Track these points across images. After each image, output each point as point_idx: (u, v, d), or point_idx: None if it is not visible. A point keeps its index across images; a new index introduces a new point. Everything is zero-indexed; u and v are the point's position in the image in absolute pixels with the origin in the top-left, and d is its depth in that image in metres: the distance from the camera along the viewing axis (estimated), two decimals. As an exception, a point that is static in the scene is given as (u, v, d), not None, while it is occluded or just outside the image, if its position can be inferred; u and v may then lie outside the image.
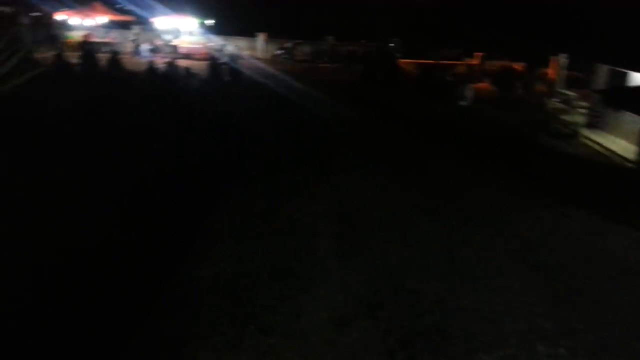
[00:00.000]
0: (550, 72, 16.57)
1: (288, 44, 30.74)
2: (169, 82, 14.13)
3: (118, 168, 7.16)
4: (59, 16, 29.96)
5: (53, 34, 30.91)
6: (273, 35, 31.89)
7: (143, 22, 31.42)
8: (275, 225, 6.06)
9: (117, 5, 37.11)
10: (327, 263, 5.17)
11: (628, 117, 11.69)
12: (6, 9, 36.73)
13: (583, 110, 13.28)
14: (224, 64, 16.55)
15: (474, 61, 22.10)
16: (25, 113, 9.05)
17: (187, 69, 14.82)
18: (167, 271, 4.70)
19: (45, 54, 20.37)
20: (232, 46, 29.75)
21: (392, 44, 30.28)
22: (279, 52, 30.68)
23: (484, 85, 17.99)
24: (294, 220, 6.24)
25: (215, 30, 30.73)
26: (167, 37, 28.95)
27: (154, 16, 29.92)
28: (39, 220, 5.27)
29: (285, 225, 6.08)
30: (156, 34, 29.72)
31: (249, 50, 30.97)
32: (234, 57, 18.78)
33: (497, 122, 14.55)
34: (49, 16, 32.82)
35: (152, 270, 4.68)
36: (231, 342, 3.78)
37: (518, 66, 20.84)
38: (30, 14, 34.94)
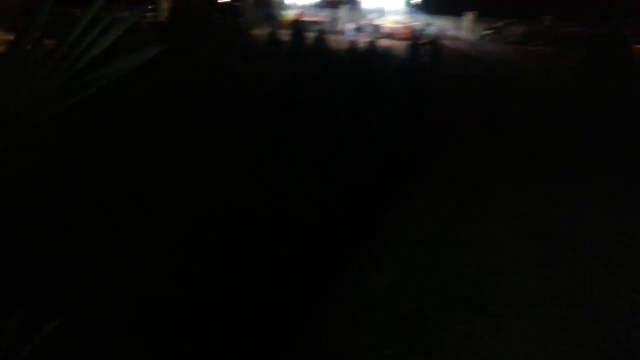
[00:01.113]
0: None
1: (498, 24, 28.10)
2: (362, 63, 13.94)
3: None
4: (278, -4, 32.68)
5: (271, 12, 33.93)
6: (482, 15, 29.57)
7: (352, 2, 32.28)
8: (462, 239, 5.25)
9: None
10: (523, 298, 4.21)
11: None
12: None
13: None
14: (425, 44, 15.68)
15: None
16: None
17: (385, 50, 14.43)
18: (329, 276, 4.32)
19: (262, 31, 22.33)
20: (436, 25, 28.59)
21: (625, 26, 25.26)
22: (487, 32, 28.30)
23: None
24: (485, 235, 5.33)
25: (421, 9, 29.77)
26: (372, 16, 29.14)
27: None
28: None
29: (475, 240, 5.22)
30: (362, 13, 30.19)
31: (455, 30, 29.27)
32: (437, 38, 17.79)
33: None
34: (269, -5, 36.10)
35: (314, 272, 4.33)
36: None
37: None
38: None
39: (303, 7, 31.00)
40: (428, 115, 9.72)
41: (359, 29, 28.58)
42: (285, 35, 18.95)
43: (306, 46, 17.11)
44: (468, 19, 29.26)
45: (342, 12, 31.45)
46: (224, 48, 12.49)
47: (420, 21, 28.49)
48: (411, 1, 29.14)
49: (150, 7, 24.95)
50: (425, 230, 5.43)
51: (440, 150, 8.38)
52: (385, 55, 13.56)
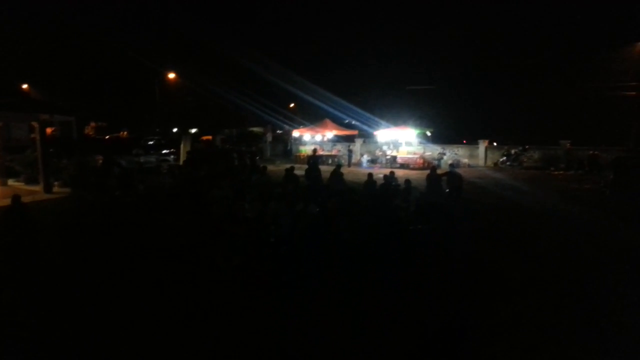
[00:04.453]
0: None
1: (513, 150, 28.22)
2: (385, 195, 13.38)
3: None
4: (295, 133, 34.02)
5: (289, 148, 35.19)
6: (496, 142, 29.97)
7: (366, 135, 33.37)
8: None
9: (345, 121, 40.90)
10: None
11: None
12: (258, 129, 44.07)
13: None
14: (444, 174, 15.26)
15: None
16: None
17: (405, 180, 13.96)
18: None
19: (280, 167, 22.62)
20: (450, 154, 28.85)
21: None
22: (502, 158, 28.32)
23: None
24: None
25: (434, 139, 30.41)
26: (387, 148, 29.72)
27: (376, 129, 31.42)
28: None
29: None
30: (377, 145, 30.89)
31: (469, 158, 29.46)
32: (452, 166, 17.49)
33: None
34: (287, 133, 37.87)
35: None
36: None
37: None
38: (274, 132, 40.98)
39: (320, 142, 32.01)
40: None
41: (374, 161, 29.00)
42: (302, 169, 19.04)
43: (322, 181, 16.94)
44: (482, 146, 29.56)
45: (357, 145, 32.34)
46: (239, 189, 12.21)
47: (434, 150, 28.85)
48: (424, 132, 29.86)
49: (172, 150, 26.02)
50: None
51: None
52: (405, 190, 12.99)
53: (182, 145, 24.10)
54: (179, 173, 17.83)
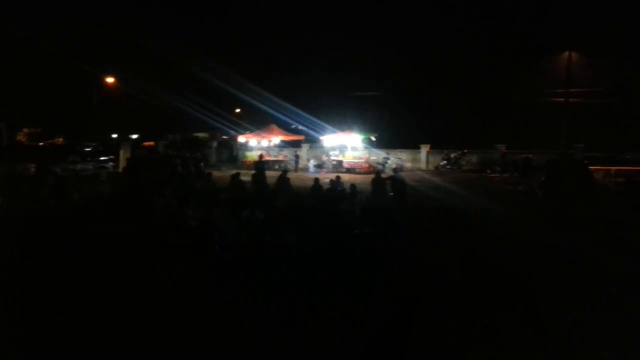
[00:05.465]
0: None
1: (453, 154, 29.41)
2: (331, 200, 13.52)
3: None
4: (241, 138, 33.67)
5: (235, 154, 34.78)
6: (436, 146, 31.08)
7: (313, 141, 33.55)
8: None
9: (292, 126, 40.92)
10: None
11: None
12: (202, 134, 43.19)
13: None
14: (387, 178, 15.63)
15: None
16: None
17: (348, 186, 14.17)
18: None
19: (226, 173, 22.31)
20: (394, 158, 29.58)
21: (572, 151, 26.85)
22: (443, 162, 29.44)
23: None
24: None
25: (379, 144, 31.09)
26: (333, 153, 30.05)
27: (322, 134, 31.70)
28: None
29: None
30: (324, 150, 31.16)
31: (412, 162, 30.38)
32: (396, 170, 17.95)
33: None
34: (233, 138, 37.43)
35: None
36: None
37: None
38: (219, 138, 40.43)
39: (266, 147, 31.85)
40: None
41: (320, 166, 29.21)
42: (248, 175, 18.84)
43: (268, 187, 16.86)
44: (424, 150, 30.62)
45: (304, 150, 32.45)
46: (182, 196, 11.92)
47: (378, 155, 29.48)
48: (369, 137, 30.43)
49: (111, 157, 24.96)
50: None
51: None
52: (351, 195, 13.16)
53: (121, 152, 23.22)
54: (118, 181, 17.19)
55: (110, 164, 24.01)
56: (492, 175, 26.06)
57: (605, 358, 5.42)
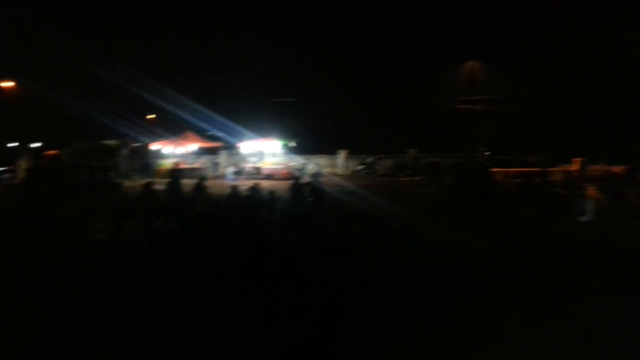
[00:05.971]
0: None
1: (369, 159, 30.49)
2: (250, 207, 13.44)
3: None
4: (154, 146, 32.33)
5: (147, 162, 33.29)
6: (354, 152, 32.03)
7: (231, 147, 33.06)
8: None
9: (208, 133, 39.99)
10: None
11: None
12: (112, 142, 40.85)
13: None
14: (306, 183, 15.86)
15: (573, 167, 20.07)
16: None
17: (267, 193, 14.17)
18: None
19: (137, 182, 21.29)
20: (313, 164, 30.03)
21: (476, 154, 29.04)
22: (359, 167, 30.41)
23: (592, 193, 15.94)
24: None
25: (297, 150, 31.40)
26: (252, 159, 29.85)
27: (240, 141, 31.37)
28: None
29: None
30: (241, 157, 30.84)
31: (330, 168, 31.02)
32: (315, 175, 18.26)
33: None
34: (145, 146, 35.80)
35: None
36: None
37: (617, 169, 18.55)
38: (131, 145, 38.48)
39: (181, 155, 30.88)
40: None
41: (239, 173, 28.87)
42: (162, 184, 18.13)
43: (184, 196, 16.35)
44: (341, 156, 31.45)
45: (222, 157, 31.88)
46: (89, 208, 11.22)
47: (297, 161, 29.76)
48: (288, 143, 30.66)
49: (7, 167, 22.92)
50: None
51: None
52: (270, 201, 13.17)
53: (20, 162, 21.35)
54: (15, 193, 15.79)
55: (7, 175, 22.03)
56: (404, 178, 27.37)
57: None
